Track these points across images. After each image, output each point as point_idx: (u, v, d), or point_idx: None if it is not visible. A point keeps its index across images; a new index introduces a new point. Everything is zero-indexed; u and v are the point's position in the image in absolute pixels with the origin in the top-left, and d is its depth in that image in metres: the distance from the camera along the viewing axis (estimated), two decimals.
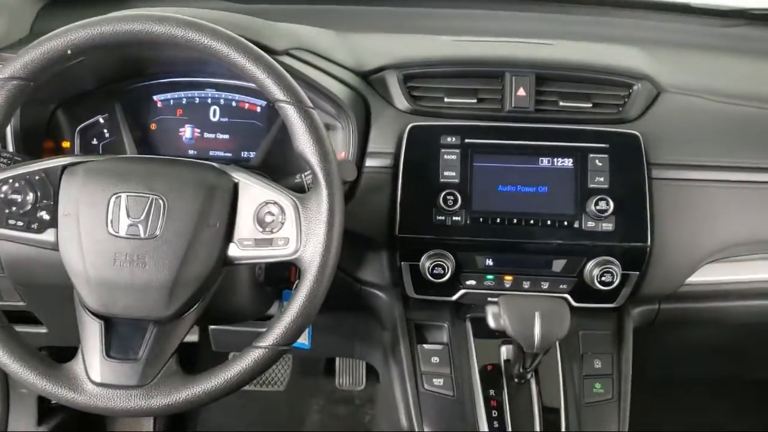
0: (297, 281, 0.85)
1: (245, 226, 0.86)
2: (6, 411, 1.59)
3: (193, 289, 0.84)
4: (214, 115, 1.19)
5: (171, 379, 0.84)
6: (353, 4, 1.50)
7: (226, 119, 1.19)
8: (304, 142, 0.85)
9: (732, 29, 1.48)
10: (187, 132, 1.19)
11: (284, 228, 0.84)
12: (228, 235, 0.85)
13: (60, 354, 1.03)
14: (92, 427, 1.80)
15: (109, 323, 0.86)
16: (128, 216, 0.84)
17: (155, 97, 1.18)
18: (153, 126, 1.18)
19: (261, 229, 0.85)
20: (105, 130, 1.18)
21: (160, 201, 0.84)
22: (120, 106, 1.15)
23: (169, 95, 1.19)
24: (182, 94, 1.19)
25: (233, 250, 0.86)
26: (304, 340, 1.15)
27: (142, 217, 0.84)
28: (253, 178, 0.87)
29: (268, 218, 0.85)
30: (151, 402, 0.83)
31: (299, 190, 0.88)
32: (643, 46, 1.28)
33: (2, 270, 1.12)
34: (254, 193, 0.86)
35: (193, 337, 1.34)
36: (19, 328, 0.92)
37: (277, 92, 0.85)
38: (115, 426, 1.82)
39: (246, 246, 0.86)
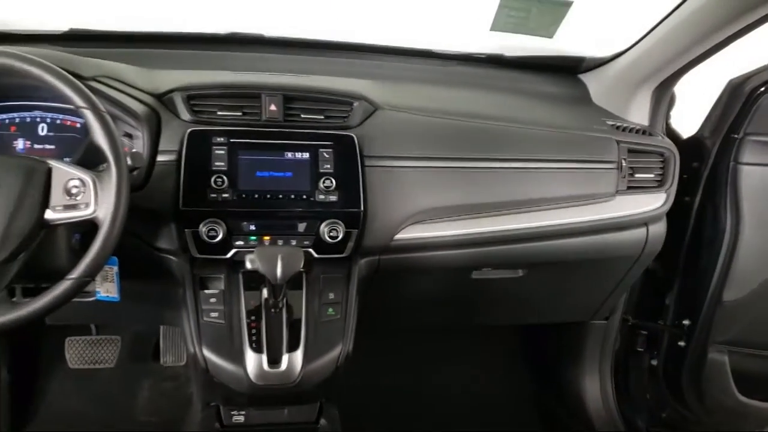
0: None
1: (57, 196, 1.20)
2: None
3: (17, 243, 1.17)
4: (42, 131, 1.53)
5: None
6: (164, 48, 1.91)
7: (52, 134, 1.53)
8: (98, 136, 1.21)
9: (446, 68, 2.03)
10: (19, 144, 1.52)
11: (85, 196, 1.20)
12: (44, 203, 1.20)
13: None
14: None
15: None
16: None
17: None
18: None
19: (69, 198, 1.20)
20: None
21: None
22: None
23: (4, 116, 1.52)
24: (15, 114, 1.52)
25: (48, 214, 1.20)
26: (114, 294, 1.50)
27: None
28: (63, 164, 1.23)
29: (74, 190, 1.20)
30: None
31: None
32: (374, 79, 1.78)
33: None
34: (63, 173, 1.21)
35: None
36: None
37: (77, 100, 1.22)
38: None
39: (57, 210, 1.20)
